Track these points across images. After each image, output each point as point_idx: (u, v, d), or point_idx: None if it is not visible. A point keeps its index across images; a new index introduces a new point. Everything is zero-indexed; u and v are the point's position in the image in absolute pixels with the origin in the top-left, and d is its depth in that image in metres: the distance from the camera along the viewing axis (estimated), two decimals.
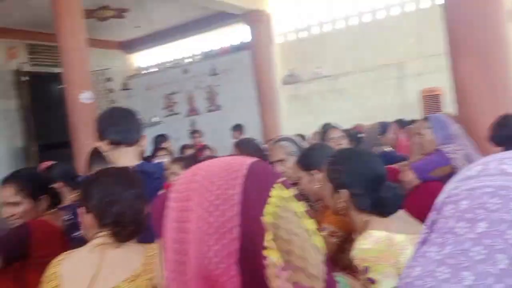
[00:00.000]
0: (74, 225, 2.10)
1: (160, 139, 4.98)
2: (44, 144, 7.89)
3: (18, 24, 7.52)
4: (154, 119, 9.06)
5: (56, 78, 8.48)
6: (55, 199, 2.24)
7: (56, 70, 8.23)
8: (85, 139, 4.76)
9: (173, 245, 0.62)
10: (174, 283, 0.61)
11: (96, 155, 2.38)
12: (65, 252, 1.46)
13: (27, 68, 8.02)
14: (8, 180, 2.16)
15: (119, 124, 1.91)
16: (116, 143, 1.87)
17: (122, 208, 1.42)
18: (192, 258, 0.59)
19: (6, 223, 2.11)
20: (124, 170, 1.59)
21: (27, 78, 7.89)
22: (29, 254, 1.97)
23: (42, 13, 6.68)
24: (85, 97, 4.85)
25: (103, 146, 1.89)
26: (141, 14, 7.47)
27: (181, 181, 0.68)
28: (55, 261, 1.43)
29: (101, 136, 1.89)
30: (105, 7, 7.32)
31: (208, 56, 9.17)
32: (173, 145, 6.25)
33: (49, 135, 8.00)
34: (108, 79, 9.07)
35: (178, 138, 7.48)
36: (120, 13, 7.68)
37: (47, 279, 1.40)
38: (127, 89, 9.65)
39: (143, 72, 10.03)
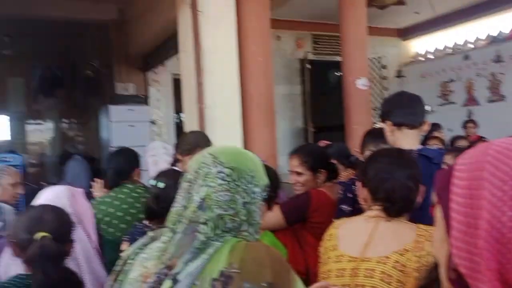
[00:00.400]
0: (344, 199, 2.30)
1: (433, 128, 4.84)
2: (319, 126, 8.63)
3: (305, 16, 8.33)
4: (427, 108, 8.75)
5: (335, 66, 9.12)
6: (332, 174, 2.49)
7: (336, 58, 8.84)
8: (357, 123, 5.01)
9: (464, 209, 0.68)
10: (462, 242, 0.68)
11: (370, 136, 2.52)
12: (344, 219, 1.65)
13: (311, 56, 8.83)
14: (295, 152, 2.52)
15: (405, 107, 1.99)
16: (399, 125, 1.96)
17: (393, 186, 1.52)
18: (484, 221, 0.65)
19: (290, 189, 2.47)
20: (399, 151, 1.68)
21: (309, 66, 8.70)
22: (307, 218, 2.26)
23: (327, 6, 7.23)
24: (361, 83, 5.06)
25: (386, 127, 2.00)
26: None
27: (471, 153, 0.73)
28: (335, 224, 1.62)
29: (386, 117, 2.00)
30: None
31: (493, 41, 8.29)
32: (446, 135, 5.97)
33: (324, 118, 8.70)
34: (383, 66, 9.20)
35: (452, 129, 7.08)
36: None
37: (327, 237, 1.60)
38: (401, 76, 9.59)
39: (419, 59, 9.77)
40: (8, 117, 10.86)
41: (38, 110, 11.18)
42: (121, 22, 7.49)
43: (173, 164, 2.93)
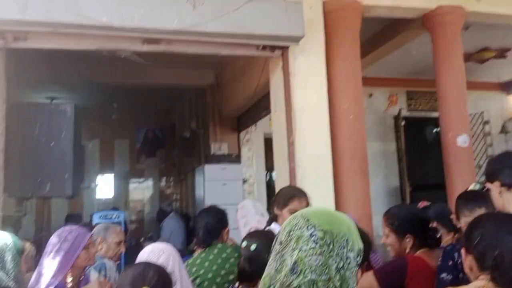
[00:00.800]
0: (444, 267, 2.11)
1: None
2: (417, 185, 8.20)
3: (399, 73, 8.20)
4: None
5: (431, 122, 8.77)
6: (428, 240, 2.31)
7: (431, 114, 8.52)
8: (459, 182, 4.68)
9: None
10: None
11: (463, 199, 2.33)
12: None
13: (405, 113, 8.59)
14: (386, 212, 2.39)
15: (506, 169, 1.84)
16: (510, 186, 1.81)
17: (502, 253, 1.36)
18: None
19: (387, 252, 2.32)
20: (509, 215, 1.51)
21: (404, 122, 8.44)
22: (404, 286, 2.10)
23: (421, 61, 7.09)
24: (462, 140, 4.78)
25: (493, 188, 1.85)
26: None
27: None
28: None
29: (494, 177, 1.87)
30: (485, 49, 7.11)
31: None
32: None
33: (422, 176, 8.28)
34: (486, 122, 8.67)
35: None
36: (502, 53, 7.29)
37: None
38: (506, 132, 8.94)
39: None
40: (113, 176, 11.69)
41: (140, 169, 11.93)
42: (217, 86, 7.90)
43: (271, 221, 2.92)
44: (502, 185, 1.81)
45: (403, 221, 2.33)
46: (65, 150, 4.13)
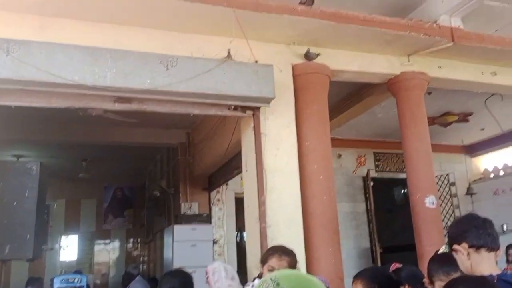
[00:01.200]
0: None
1: (508, 249, 4.46)
2: (387, 246, 8.19)
3: (366, 135, 8.43)
4: (505, 227, 8.18)
5: (399, 183, 8.94)
6: None
7: (399, 175, 8.69)
8: (429, 244, 4.70)
9: None
10: None
11: (436, 263, 2.33)
12: None
13: (373, 174, 8.73)
14: (358, 276, 2.36)
15: (481, 228, 1.85)
16: (478, 247, 1.80)
17: None
18: None
19: None
20: (482, 279, 1.50)
21: (372, 183, 8.55)
22: None
23: (387, 124, 7.32)
24: (429, 201, 4.86)
25: (461, 250, 1.84)
26: (486, 116, 7.20)
27: None
28: None
29: (461, 239, 1.86)
30: (448, 113, 7.41)
31: None
32: None
33: (392, 237, 8.30)
34: (452, 184, 8.88)
35: None
36: (464, 117, 7.61)
37: None
38: (471, 193, 9.16)
39: (490, 176, 9.36)
40: (78, 237, 11.27)
41: (107, 230, 11.57)
42: (189, 145, 7.90)
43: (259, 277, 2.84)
44: (470, 246, 1.81)
45: (383, 283, 2.30)
46: (29, 210, 3.99)
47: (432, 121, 7.29)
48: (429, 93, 5.89)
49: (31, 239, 3.90)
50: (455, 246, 1.86)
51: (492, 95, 6.50)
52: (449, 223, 8.30)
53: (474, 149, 9.61)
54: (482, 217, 1.94)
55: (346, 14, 4.45)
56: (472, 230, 1.85)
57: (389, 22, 4.61)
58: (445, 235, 1.97)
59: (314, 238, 4.33)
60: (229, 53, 4.15)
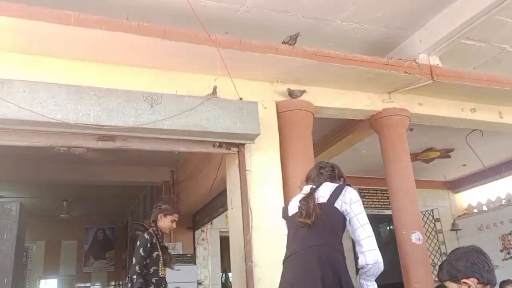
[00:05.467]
0: None
1: (502, 285, 4.44)
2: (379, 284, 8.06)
3: (351, 171, 8.43)
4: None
5: (385, 219, 8.91)
6: None
7: (384, 212, 8.69)
8: (418, 281, 4.66)
9: None
10: None
11: None
12: None
13: None
14: None
15: (489, 264, 1.85)
16: (485, 284, 1.79)
17: None
18: None
19: None
20: None
21: None
22: None
23: (371, 160, 7.37)
24: (415, 237, 4.84)
25: (472, 284, 1.81)
26: (467, 152, 7.31)
27: None
28: None
29: (470, 273, 1.83)
30: (430, 149, 7.51)
31: None
32: None
33: (379, 275, 8.19)
34: (437, 220, 8.89)
35: None
36: (445, 153, 7.72)
37: None
38: (456, 230, 9.17)
39: (473, 211, 9.42)
40: (57, 280, 10.90)
41: (87, 273, 11.23)
42: (173, 183, 7.82)
43: None
44: (479, 282, 1.79)
45: None
46: (7, 252, 3.86)
47: (414, 157, 7.37)
48: (411, 130, 5.98)
49: (8, 283, 3.75)
50: (466, 281, 1.82)
51: (472, 131, 6.62)
52: (436, 260, 8.27)
53: (457, 185, 9.70)
54: (480, 252, 1.93)
55: (328, 53, 4.54)
56: (484, 265, 1.85)
57: (370, 60, 4.72)
58: (442, 269, 1.93)
59: None
60: (214, 90, 4.17)
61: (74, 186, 8.22)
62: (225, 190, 4.82)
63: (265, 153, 4.50)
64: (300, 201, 2.70)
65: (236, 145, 4.38)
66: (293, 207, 2.79)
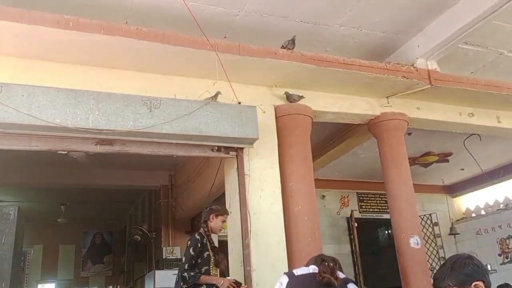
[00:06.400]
0: None
1: None
2: None
3: (349, 175, 8.47)
4: (489, 267, 8.17)
5: (383, 223, 8.91)
6: None
7: (382, 216, 8.69)
8: (415, 285, 4.65)
9: None
10: None
11: None
12: None
13: (357, 215, 8.71)
14: None
15: (485, 267, 1.92)
16: (488, 286, 1.87)
17: None
18: None
19: None
20: None
21: (356, 224, 8.51)
22: None
23: (370, 164, 7.38)
24: (414, 241, 4.84)
25: (483, 286, 1.89)
26: (465, 157, 7.33)
27: None
28: None
29: (479, 276, 1.90)
30: (429, 153, 7.52)
31: None
32: None
33: (378, 279, 8.18)
34: (435, 224, 8.89)
35: None
36: (443, 157, 7.73)
37: None
38: (455, 234, 9.17)
39: (472, 215, 9.42)
40: (55, 285, 10.86)
41: (85, 277, 11.19)
42: (171, 187, 7.82)
43: None
44: (485, 285, 1.87)
45: None
46: (5, 256, 3.85)
47: (413, 161, 7.39)
48: (409, 134, 5.99)
49: (6, 287, 3.74)
50: (477, 283, 1.87)
51: (470, 136, 6.63)
52: (434, 264, 8.27)
53: (455, 189, 9.71)
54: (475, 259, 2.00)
55: (326, 57, 4.56)
56: (485, 269, 1.94)
57: (368, 65, 4.74)
58: (443, 277, 1.95)
59: None
60: (216, 95, 4.17)
61: (72, 190, 8.20)
62: (223, 194, 4.82)
63: (263, 157, 4.51)
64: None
65: (234, 149, 4.38)
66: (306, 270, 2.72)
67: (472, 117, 5.76)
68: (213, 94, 4.18)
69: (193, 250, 3.68)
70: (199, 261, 3.70)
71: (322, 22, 4.78)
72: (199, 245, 3.72)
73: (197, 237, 3.79)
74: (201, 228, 3.90)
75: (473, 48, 5.41)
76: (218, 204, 4.29)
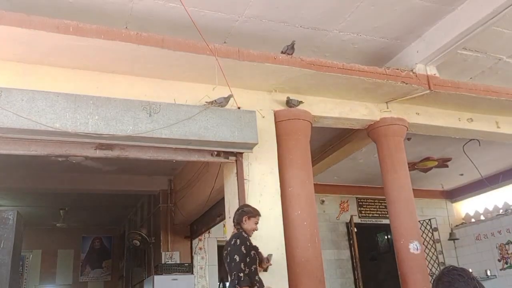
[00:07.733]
0: None
1: None
2: None
3: (349, 180, 8.46)
4: (489, 273, 8.16)
5: (382, 228, 8.90)
6: None
7: (382, 221, 8.68)
8: None
9: None
10: None
11: None
12: None
13: (356, 220, 8.69)
14: None
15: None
16: None
17: None
18: None
19: None
20: None
21: (356, 229, 8.50)
22: None
23: (369, 169, 7.39)
24: (413, 247, 4.83)
25: None
26: (465, 162, 7.33)
27: None
28: None
29: None
30: (428, 158, 7.52)
31: None
32: None
33: (377, 285, 8.18)
34: (434, 229, 8.88)
35: None
36: (443, 162, 7.73)
37: None
38: (454, 239, 9.16)
39: (471, 220, 9.41)
40: None
41: (84, 282, 11.15)
42: (170, 192, 7.80)
43: None
44: None
45: None
46: (3, 261, 3.84)
47: (412, 166, 7.39)
48: (409, 139, 6.00)
49: None
50: None
51: (469, 141, 6.64)
52: (433, 270, 8.25)
53: (454, 194, 9.70)
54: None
55: (325, 63, 4.57)
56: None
57: (367, 70, 4.75)
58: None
59: (299, 287, 4.23)
60: (228, 97, 4.17)
61: (71, 195, 8.18)
62: (223, 199, 4.82)
63: (263, 162, 4.51)
64: None
65: (234, 154, 4.38)
66: None
67: (471, 123, 5.77)
68: (225, 96, 4.19)
69: (244, 248, 3.58)
70: (248, 259, 3.61)
71: (322, 28, 4.79)
72: (248, 243, 3.66)
73: (245, 235, 3.70)
74: (238, 230, 3.81)
75: (472, 54, 5.43)
76: (221, 208, 4.22)
